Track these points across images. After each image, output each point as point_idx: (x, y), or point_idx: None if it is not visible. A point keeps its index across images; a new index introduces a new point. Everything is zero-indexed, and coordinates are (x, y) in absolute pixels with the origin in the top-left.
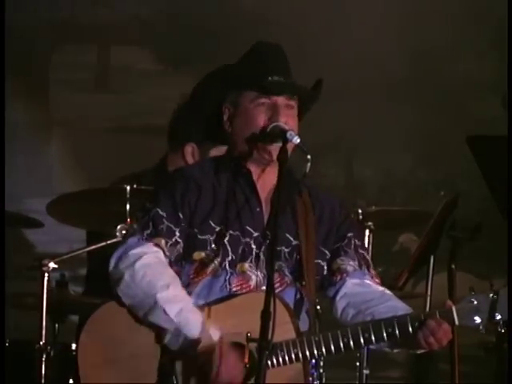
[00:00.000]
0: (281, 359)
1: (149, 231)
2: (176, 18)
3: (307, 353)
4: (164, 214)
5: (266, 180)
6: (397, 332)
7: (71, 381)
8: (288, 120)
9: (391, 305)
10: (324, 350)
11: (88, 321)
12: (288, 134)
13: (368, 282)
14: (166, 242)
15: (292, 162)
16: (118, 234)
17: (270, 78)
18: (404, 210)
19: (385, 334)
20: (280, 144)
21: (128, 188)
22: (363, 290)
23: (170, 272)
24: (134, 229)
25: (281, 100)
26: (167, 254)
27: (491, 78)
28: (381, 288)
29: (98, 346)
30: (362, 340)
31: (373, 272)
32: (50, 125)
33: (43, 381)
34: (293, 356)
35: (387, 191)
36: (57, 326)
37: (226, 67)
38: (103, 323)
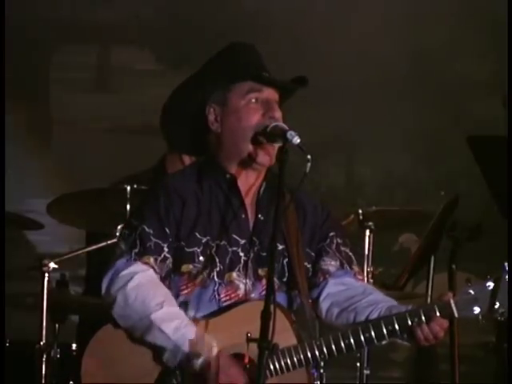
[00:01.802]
0: (284, 365)
1: (137, 250)
2: (176, 18)
3: (309, 357)
4: (151, 231)
5: (250, 184)
6: (397, 329)
7: (71, 381)
8: (279, 115)
9: (372, 298)
10: (326, 352)
11: (88, 346)
12: (288, 134)
13: (350, 279)
14: (156, 259)
15: (291, 162)
16: (117, 234)
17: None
18: (404, 210)
19: (385, 332)
20: (280, 144)
21: (128, 188)
22: (345, 288)
23: (163, 289)
24: (121, 249)
25: (272, 94)
26: (157, 270)
27: (491, 78)
28: (364, 283)
29: (101, 368)
30: (363, 340)
31: (356, 269)
32: (49, 125)
33: (43, 381)
34: (295, 361)
35: (387, 191)
36: (57, 326)
37: (205, 67)
38: (103, 346)
